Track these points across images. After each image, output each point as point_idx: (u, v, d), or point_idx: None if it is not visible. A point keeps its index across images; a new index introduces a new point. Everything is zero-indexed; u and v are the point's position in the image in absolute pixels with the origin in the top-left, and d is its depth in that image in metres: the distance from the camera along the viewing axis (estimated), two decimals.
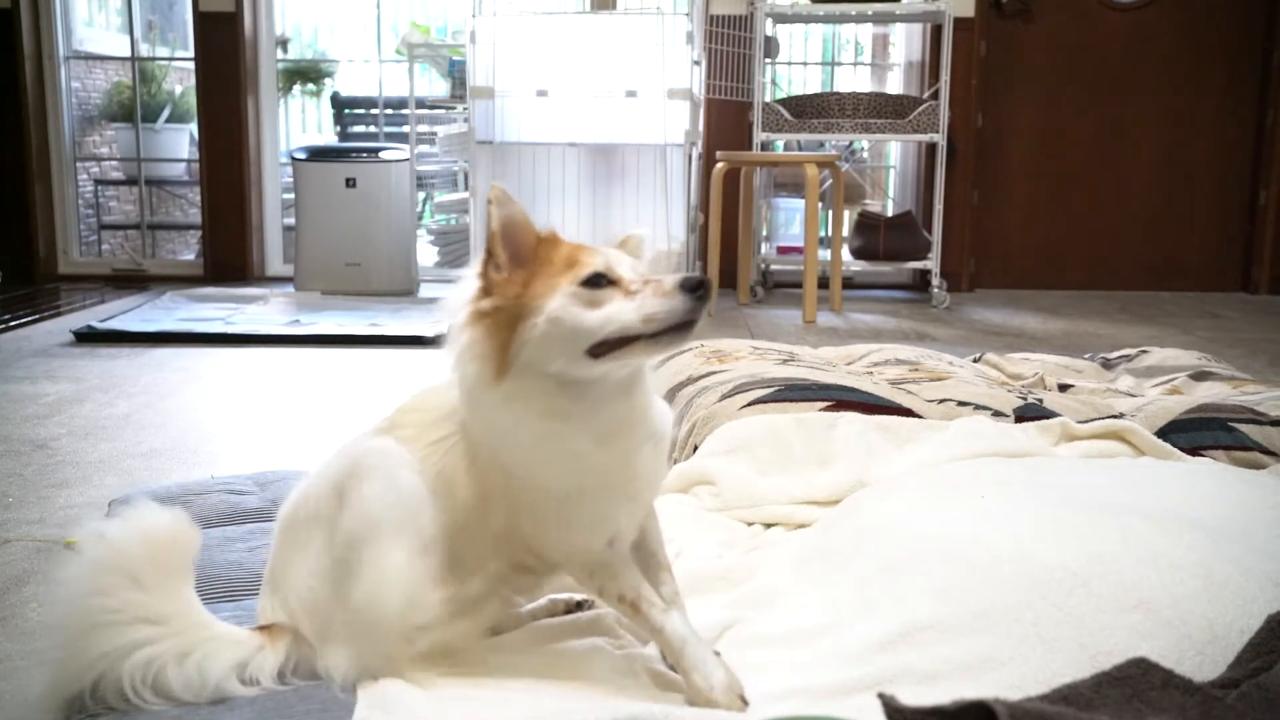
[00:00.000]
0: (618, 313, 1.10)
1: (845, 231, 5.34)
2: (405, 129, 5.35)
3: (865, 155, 6.24)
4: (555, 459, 1.17)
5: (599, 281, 1.11)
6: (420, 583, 1.19)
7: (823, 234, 5.52)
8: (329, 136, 7.43)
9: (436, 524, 1.20)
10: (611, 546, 1.23)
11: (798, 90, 6.05)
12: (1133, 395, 2.41)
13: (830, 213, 5.35)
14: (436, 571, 1.20)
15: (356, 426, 1.34)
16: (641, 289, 1.11)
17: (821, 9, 5.17)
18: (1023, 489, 1.57)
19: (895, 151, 6.16)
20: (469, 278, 1.17)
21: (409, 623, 1.19)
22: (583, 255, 1.14)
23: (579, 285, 1.11)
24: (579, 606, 1.42)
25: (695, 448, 2.01)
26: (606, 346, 1.10)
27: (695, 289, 1.09)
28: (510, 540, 1.24)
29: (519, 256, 1.15)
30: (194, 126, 5.93)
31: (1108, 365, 2.85)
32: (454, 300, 1.17)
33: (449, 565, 1.22)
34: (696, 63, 4.61)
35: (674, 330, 1.10)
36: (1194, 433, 2.00)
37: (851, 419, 1.99)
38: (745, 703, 1.17)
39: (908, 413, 2.07)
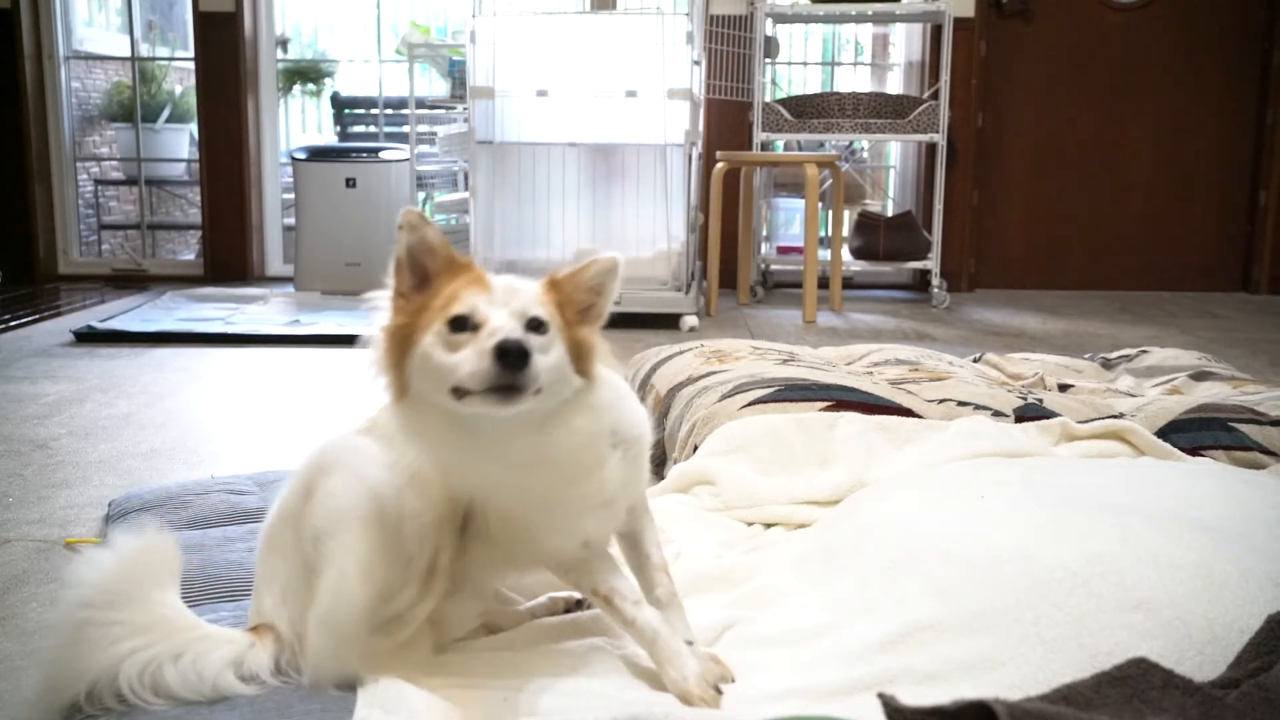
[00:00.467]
0: (460, 363, 1.07)
1: (845, 231, 5.34)
2: (405, 129, 5.34)
3: (865, 155, 6.24)
4: (475, 483, 1.19)
5: (462, 324, 1.09)
6: (388, 575, 1.19)
7: (823, 234, 5.52)
8: (329, 136, 7.42)
9: (405, 517, 1.21)
10: (586, 547, 1.24)
11: (798, 90, 6.05)
12: (1133, 395, 2.41)
13: (830, 213, 5.35)
14: (408, 565, 1.21)
15: (351, 426, 1.34)
16: (482, 340, 1.07)
17: (821, 9, 5.17)
18: (1023, 489, 1.57)
19: (895, 151, 6.16)
20: (385, 296, 1.17)
21: (378, 616, 1.20)
22: (463, 292, 1.12)
23: (445, 325, 1.10)
24: (579, 605, 1.42)
25: (695, 448, 2.01)
26: (459, 392, 1.08)
27: (503, 356, 1.05)
28: (485, 538, 1.25)
29: (425, 282, 1.15)
30: (194, 126, 5.93)
31: (1108, 365, 2.85)
32: (376, 312, 1.18)
33: (430, 560, 1.23)
34: (696, 63, 4.60)
35: (494, 391, 1.06)
36: (1194, 433, 2.00)
37: (851, 419, 1.99)
38: (719, 692, 1.19)
39: (908, 413, 2.07)
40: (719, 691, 1.19)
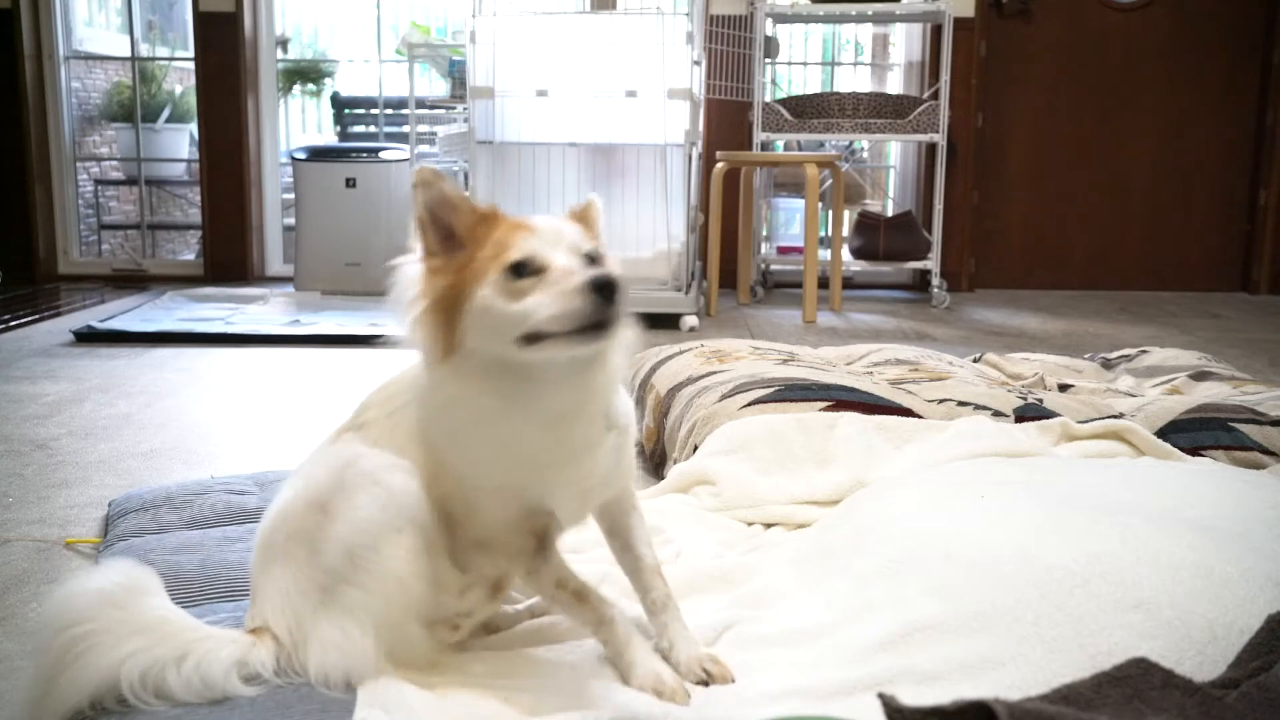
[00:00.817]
0: (534, 308, 1.07)
1: (845, 231, 5.34)
2: (405, 129, 5.35)
3: (865, 155, 6.24)
4: (495, 438, 1.16)
5: (522, 270, 1.08)
6: (437, 574, 1.20)
7: (823, 234, 5.52)
8: (329, 136, 7.43)
9: (432, 522, 1.21)
10: (544, 532, 1.24)
11: (798, 90, 6.05)
12: (1133, 395, 2.41)
13: (830, 213, 5.35)
14: (441, 568, 1.22)
15: (335, 424, 1.34)
16: (559, 282, 1.07)
17: (821, 9, 5.17)
18: (1023, 489, 1.57)
19: (895, 151, 6.16)
20: (413, 259, 1.16)
21: (436, 613, 1.21)
22: (512, 238, 1.10)
23: (503, 274, 1.08)
24: None
25: (695, 448, 2.01)
26: (532, 338, 1.08)
27: (600, 289, 1.05)
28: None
29: (455, 238, 1.13)
30: (194, 126, 5.93)
31: (1108, 365, 2.85)
32: (404, 276, 1.16)
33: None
34: (696, 63, 4.60)
35: (585, 331, 1.06)
36: (1194, 433, 2.00)
37: (851, 419, 1.99)
38: (687, 695, 1.19)
39: (908, 413, 2.07)
40: (687, 694, 1.20)
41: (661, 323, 4.31)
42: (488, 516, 1.22)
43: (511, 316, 1.07)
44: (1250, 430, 1.98)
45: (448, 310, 1.11)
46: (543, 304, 1.06)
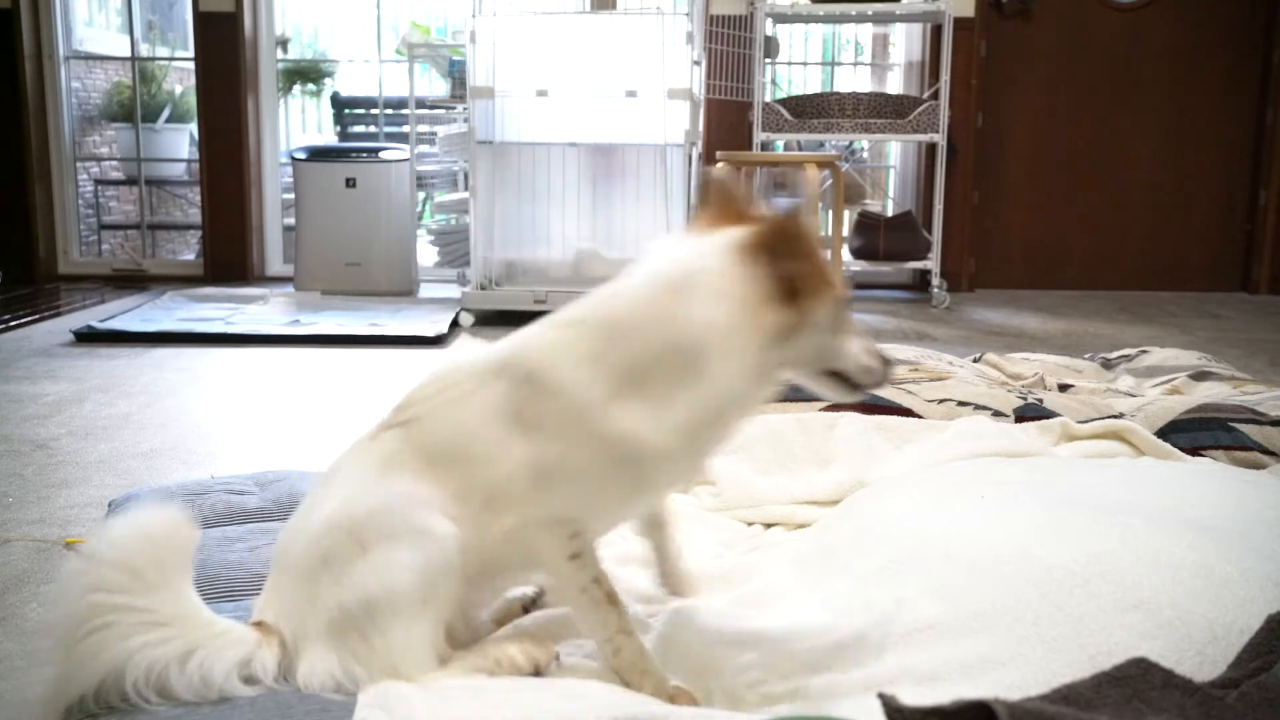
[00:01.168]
0: (854, 353, 1.16)
1: (845, 231, 5.34)
2: (405, 129, 5.35)
3: (865, 155, 6.24)
4: (738, 419, 1.20)
5: (847, 309, 1.16)
6: (434, 651, 1.20)
7: (823, 234, 5.52)
8: (329, 136, 7.43)
9: (457, 593, 1.21)
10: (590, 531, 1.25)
11: (798, 90, 6.05)
12: (1133, 395, 2.40)
13: (830, 213, 5.35)
14: (443, 637, 1.23)
15: (356, 427, 1.33)
16: (860, 338, 1.17)
17: (821, 9, 5.17)
18: (1023, 489, 1.57)
19: (895, 151, 6.16)
20: (755, 268, 1.13)
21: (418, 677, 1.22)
22: (826, 269, 1.15)
23: (839, 308, 1.15)
24: (534, 604, 1.42)
25: None
26: (831, 372, 1.17)
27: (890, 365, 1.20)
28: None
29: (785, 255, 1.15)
30: (194, 126, 5.93)
31: (1108, 365, 2.85)
32: (738, 259, 1.14)
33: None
34: (696, 63, 4.60)
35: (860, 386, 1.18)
36: (1194, 433, 2.00)
37: (851, 419, 1.99)
38: (697, 702, 1.19)
39: (908, 413, 2.07)
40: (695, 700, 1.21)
41: None
42: (596, 489, 1.20)
43: (835, 351, 1.16)
44: (1250, 430, 1.98)
45: (786, 330, 1.14)
46: (861, 353, 1.17)
